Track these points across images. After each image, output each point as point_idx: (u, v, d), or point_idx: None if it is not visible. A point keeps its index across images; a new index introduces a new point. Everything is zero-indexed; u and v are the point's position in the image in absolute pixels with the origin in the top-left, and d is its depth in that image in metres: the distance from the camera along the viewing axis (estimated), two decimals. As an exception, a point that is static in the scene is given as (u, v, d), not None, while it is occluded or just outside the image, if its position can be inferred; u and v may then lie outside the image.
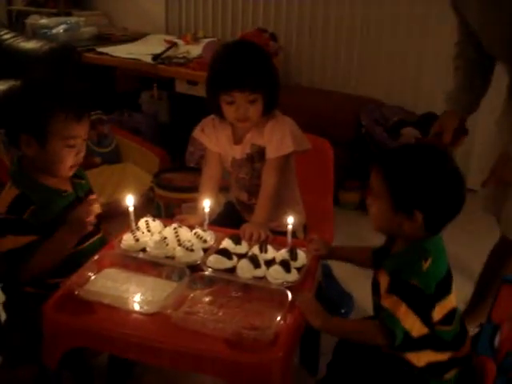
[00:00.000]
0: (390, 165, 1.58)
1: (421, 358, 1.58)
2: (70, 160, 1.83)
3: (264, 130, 2.08)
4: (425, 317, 1.52)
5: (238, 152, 2.16)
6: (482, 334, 1.61)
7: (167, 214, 2.99)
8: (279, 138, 2.06)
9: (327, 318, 1.63)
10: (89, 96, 2.00)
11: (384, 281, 1.58)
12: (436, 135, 2.14)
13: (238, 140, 2.14)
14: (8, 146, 3.04)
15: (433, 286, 1.52)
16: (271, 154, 2.08)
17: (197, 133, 2.22)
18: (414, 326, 1.51)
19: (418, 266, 1.52)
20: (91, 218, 1.86)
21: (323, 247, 1.89)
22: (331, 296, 2.48)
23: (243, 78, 1.96)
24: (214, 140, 2.19)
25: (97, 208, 1.91)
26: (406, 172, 1.54)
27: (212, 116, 2.18)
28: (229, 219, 2.22)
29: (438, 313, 1.55)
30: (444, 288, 1.57)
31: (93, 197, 1.98)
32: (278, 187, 2.10)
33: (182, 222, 1.99)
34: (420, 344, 1.56)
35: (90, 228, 1.87)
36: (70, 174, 1.89)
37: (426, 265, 1.52)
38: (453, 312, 1.60)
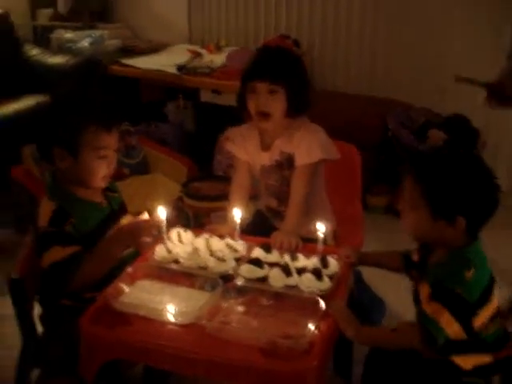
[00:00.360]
0: (427, 172, 1.57)
1: (467, 361, 1.57)
2: (101, 171, 1.87)
3: (293, 138, 2.10)
4: (466, 324, 1.52)
5: (267, 159, 2.17)
6: None
7: (196, 223, 3.01)
8: (308, 147, 2.08)
9: (360, 328, 1.63)
10: (116, 107, 2.04)
11: (425, 291, 1.58)
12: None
13: (266, 147, 2.16)
14: (39, 161, 3.10)
15: (476, 295, 1.52)
16: (300, 161, 2.10)
17: (226, 143, 2.25)
18: (456, 332, 1.51)
19: (461, 276, 1.52)
20: (148, 239, 1.88)
21: (354, 254, 1.89)
22: (363, 302, 2.47)
23: (264, 68, 2.04)
24: (243, 149, 2.21)
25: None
26: (444, 178, 1.53)
27: (239, 127, 2.21)
28: (259, 228, 2.23)
29: (480, 317, 1.55)
30: (487, 294, 1.56)
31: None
32: (307, 195, 2.11)
33: (212, 232, 2.00)
34: (464, 347, 1.56)
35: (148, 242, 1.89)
36: (103, 185, 1.93)
37: (470, 274, 1.52)
38: (495, 315, 1.59)
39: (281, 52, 2.17)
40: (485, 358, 1.58)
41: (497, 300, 1.61)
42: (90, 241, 1.85)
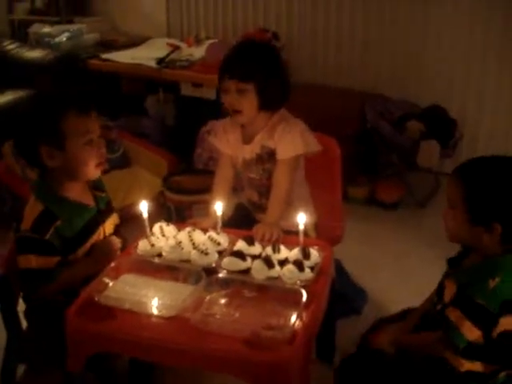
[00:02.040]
0: (470, 177, 1.56)
1: (465, 365, 1.59)
2: (92, 158, 1.86)
3: (274, 132, 2.12)
4: (487, 332, 1.53)
5: (248, 152, 2.20)
6: None
7: (178, 216, 3.03)
8: (290, 140, 2.11)
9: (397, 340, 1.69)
10: (92, 94, 2.05)
11: (450, 289, 1.60)
12: None
13: (247, 140, 2.19)
14: (17, 157, 3.08)
15: (498, 304, 1.51)
16: (282, 155, 2.12)
17: (208, 136, 2.27)
18: (477, 338, 1.53)
19: (484, 285, 1.52)
20: (118, 254, 1.92)
21: (390, 347, 1.77)
22: (344, 291, 2.51)
23: (232, 66, 2.06)
24: (225, 142, 2.24)
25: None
26: (486, 184, 1.53)
27: (221, 120, 2.23)
28: (240, 221, 2.26)
29: (501, 326, 1.54)
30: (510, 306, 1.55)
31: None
32: (289, 188, 2.14)
33: (195, 226, 2.02)
34: (481, 352, 1.57)
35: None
36: (98, 174, 1.93)
37: (494, 283, 1.52)
38: None
39: (252, 48, 2.17)
40: (488, 368, 1.59)
41: None
42: (74, 243, 1.87)
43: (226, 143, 2.25)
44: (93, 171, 1.90)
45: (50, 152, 1.82)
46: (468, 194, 1.54)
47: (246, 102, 2.07)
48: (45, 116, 1.81)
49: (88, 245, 1.92)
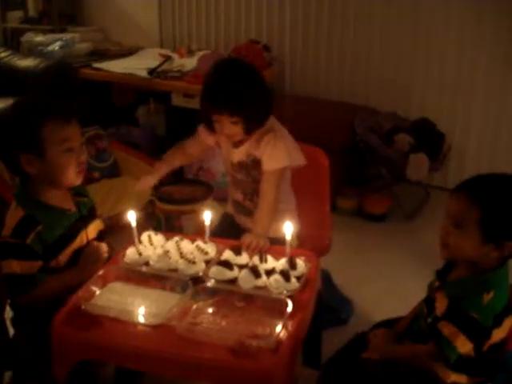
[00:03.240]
0: (486, 195, 1.54)
1: (452, 376, 1.61)
2: (71, 166, 1.87)
3: (261, 142, 2.15)
4: (479, 346, 1.56)
5: (235, 156, 2.24)
6: None
7: (168, 226, 3.03)
8: (274, 153, 2.13)
9: (387, 350, 1.70)
10: (73, 101, 2.05)
11: (442, 302, 1.61)
12: None
13: (236, 144, 2.22)
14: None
15: (491, 318, 1.54)
16: (266, 166, 2.15)
17: (200, 127, 2.28)
18: (468, 351, 1.55)
19: (479, 299, 1.54)
20: (102, 263, 1.92)
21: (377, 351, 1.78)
22: (330, 302, 2.53)
23: (222, 105, 2.05)
24: (214, 137, 2.27)
25: (100, 225, 1.96)
26: (502, 204, 1.53)
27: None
28: (227, 230, 2.28)
29: (492, 339, 1.57)
30: (499, 319, 1.58)
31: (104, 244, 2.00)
32: (276, 197, 2.16)
33: (143, 184, 2.40)
34: (470, 365, 1.60)
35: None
36: (78, 181, 1.93)
37: (488, 298, 1.54)
38: (502, 343, 1.62)
39: (235, 76, 2.10)
40: (471, 380, 1.62)
41: (506, 331, 1.62)
42: (55, 248, 1.87)
43: (208, 136, 2.28)
44: (73, 178, 1.90)
45: (29, 159, 1.82)
46: (484, 214, 1.52)
47: (239, 128, 2.09)
48: (23, 123, 1.82)
49: (70, 250, 1.92)
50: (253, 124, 2.11)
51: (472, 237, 1.55)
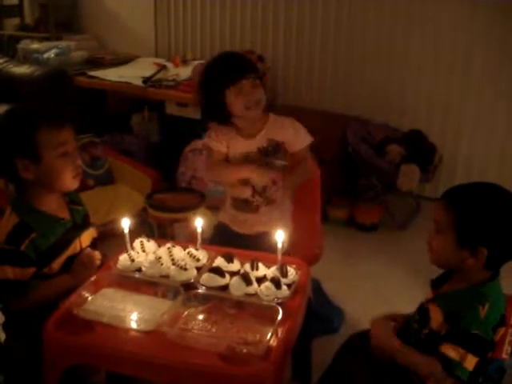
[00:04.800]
0: (461, 201, 1.60)
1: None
2: (68, 170, 1.89)
3: (282, 126, 2.31)
4: (484, 358, 1.57)
5: (251, 146, 2.30)
6: None
7: (160, 233, 3.05)
8: (302, 132, 2.32)
9: (400, 345, 1.67)
10: (66, 107, 2.08)
11: (437, 316, 1.63)
12: None
13: (249, 136, 2.30)
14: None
15: (491, 330, 1.57)
16: (293, 147, 2.30)
17: (207, 140, 2.34)
18: (474, 366, 1.56)
19: (476, 313, 1.56)
20: (94, 269, 1.93)
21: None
22: (321, 311, 2.54)
23: (246, 67, 2.23)
24: (219, 141, 2.32)
25: (93, 233, 1.98)
26: (475, 209, 1.56)
27: (213, 128, 2.34)
28: (221, 239, 2.29)
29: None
30: (494, 330, 1.60)
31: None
32: (305, 173, 2.35)
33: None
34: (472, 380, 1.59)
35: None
36: (75, 185, 1.95)
37: (484, 311, 1.56)
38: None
39: (236, 53, 2.49)
40: None
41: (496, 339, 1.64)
42: (49, 256, 1.89)
43: (221, 143, 2.31)
44: (70, 183, 1.92)
45: (25, 165, 1.84)
46: (458, 217, 1.57)
47: (262, 92, 2.24)
48: (18, 129, 1.84)
49: (63, 258, 1.94)
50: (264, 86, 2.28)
51: (449, 240, 1.60)
